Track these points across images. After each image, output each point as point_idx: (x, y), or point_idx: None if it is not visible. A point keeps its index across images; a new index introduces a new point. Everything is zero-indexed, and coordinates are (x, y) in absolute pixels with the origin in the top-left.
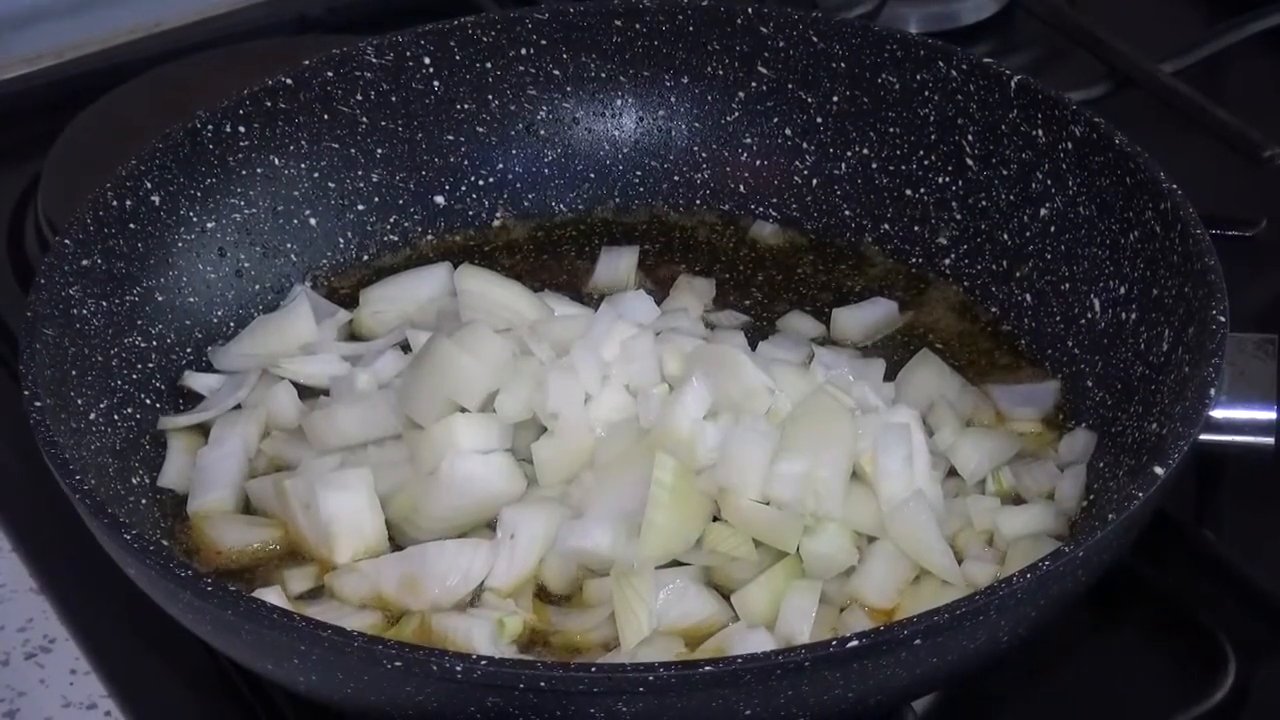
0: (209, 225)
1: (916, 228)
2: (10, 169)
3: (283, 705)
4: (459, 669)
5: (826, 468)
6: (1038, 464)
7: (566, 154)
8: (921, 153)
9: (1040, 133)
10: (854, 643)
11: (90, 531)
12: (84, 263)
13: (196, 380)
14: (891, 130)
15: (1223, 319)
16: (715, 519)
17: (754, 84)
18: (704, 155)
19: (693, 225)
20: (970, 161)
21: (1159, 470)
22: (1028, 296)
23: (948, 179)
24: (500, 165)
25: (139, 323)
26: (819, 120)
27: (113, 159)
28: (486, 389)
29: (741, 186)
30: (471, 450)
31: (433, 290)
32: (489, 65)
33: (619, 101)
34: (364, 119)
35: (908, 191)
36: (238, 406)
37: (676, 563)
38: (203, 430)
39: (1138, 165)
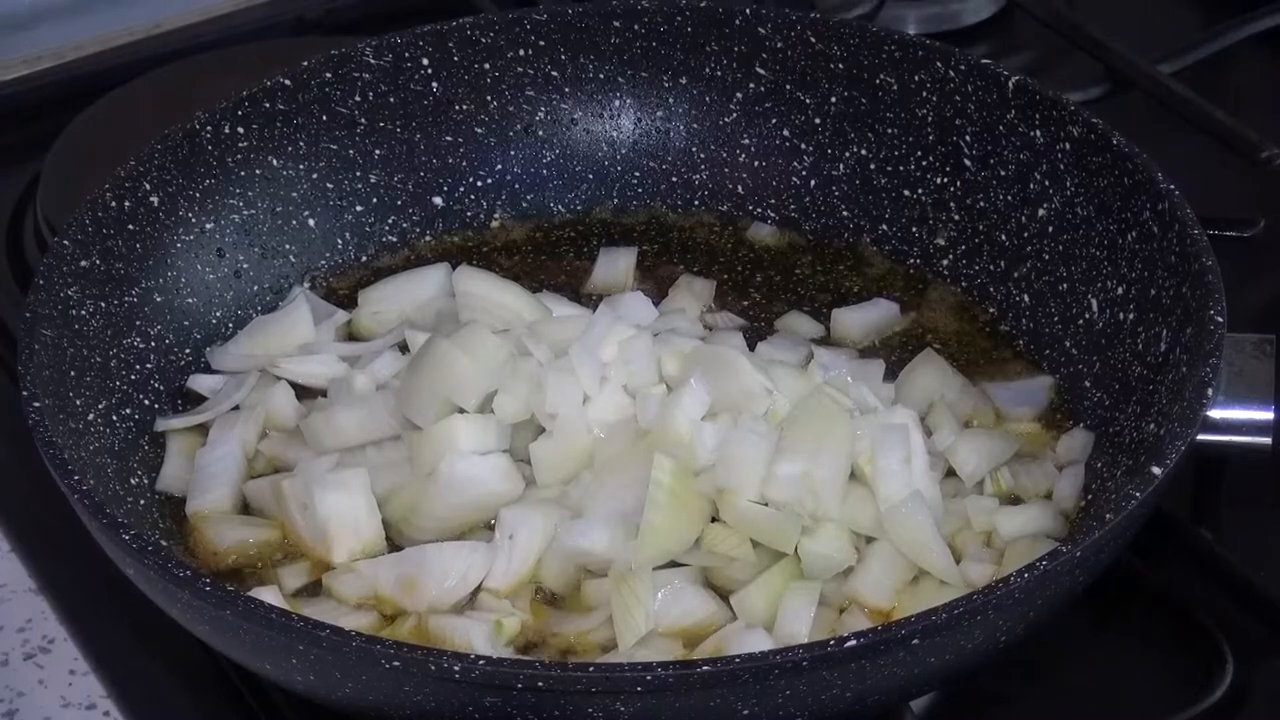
0: (208, 226)
1: (914, 228)
2: (9, 170)
3: (281, 705)
4: (457, 669)
5: (824, 468)
6: (1036, 464)
7: (565, 155)
8: (919, 153)
9: (1038, 133)
10: (852, 642)
11: (89, 532)
12: (83, 263)
13: (200, 382)
14: (889, 131)
15: (1220, 319)
16: (713, 520)
17: (752, 85)
18: (702, 156)
19: (691, 226)
20: (968, 162)
21: (1157, 470)
22: (1026, 297)
23: (946, 179)
24: (499, 166)
25: (137, 323)
26: (817, 121)
27: (112, 160)
28: (484, 389)
29: (740, 187)
30: (470, 451)
31: (431, 291)
32: (487, 66)
33: (617, 102)
34: (362, 120)
35: (906, 192)
36: (236, 408)
37: (675, 564)
38: (201, 432)
39: (1135, 166)
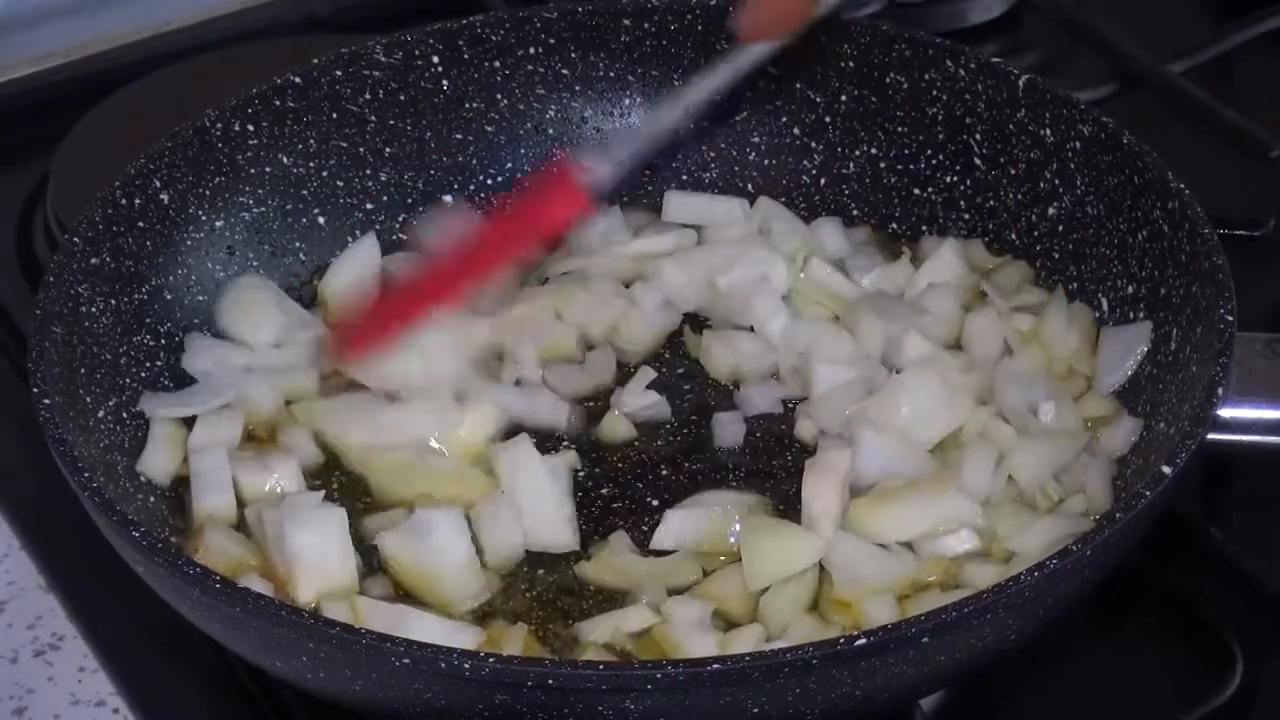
0: (218, 224)
1: (925, 227)
2: (19, 168)
3: (291, 703)
4: (467, 666)
5: None
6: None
7: (575, 153)
8: (930, 152)
9: (1048, 132)
10: (861, 641)
11: (99, 529)
12: (93, 261)
13: (194, 364)
14: (899, 129)
15: (1230, 318)
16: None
17: (762, 83)
18: (712, 154)
19: None
20: (978, 161)
21: (1167, 469)
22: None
23: (956, 178)
24: (509, 164)
25: (147, 321)
26: (827, 119)
27: (121, 158)
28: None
29: (749, 185)
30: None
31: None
32: (497, 64)
33: (627, 101)
34: (372, 118)
35: (916, 191)
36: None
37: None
38: (185, 421)
39: (1146, 164)
